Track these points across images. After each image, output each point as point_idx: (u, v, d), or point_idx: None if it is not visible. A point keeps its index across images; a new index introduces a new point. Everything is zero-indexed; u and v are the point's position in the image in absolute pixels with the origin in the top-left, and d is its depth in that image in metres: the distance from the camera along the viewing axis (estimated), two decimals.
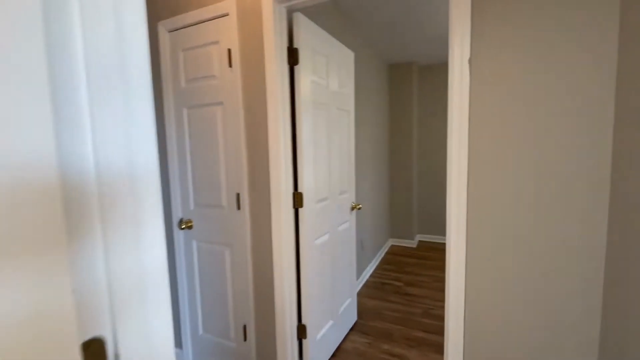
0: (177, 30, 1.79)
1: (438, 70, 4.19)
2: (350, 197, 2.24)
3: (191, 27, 1.73)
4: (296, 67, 1.61)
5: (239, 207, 1.71)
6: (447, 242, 1.31)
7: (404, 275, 3.32)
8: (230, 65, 1.64)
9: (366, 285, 3.12)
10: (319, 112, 1.79)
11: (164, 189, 1.96)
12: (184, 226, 1.85)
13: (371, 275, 3.34)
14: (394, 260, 3.76)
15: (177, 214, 1.91)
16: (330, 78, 1.92)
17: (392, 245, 4.30)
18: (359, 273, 3.09)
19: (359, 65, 2.93)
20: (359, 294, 2.91)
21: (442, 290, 2.97)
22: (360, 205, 2.28)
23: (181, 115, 1.84)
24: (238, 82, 1.63)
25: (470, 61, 1.12)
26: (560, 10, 1.06)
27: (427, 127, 4.34)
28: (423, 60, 4.02)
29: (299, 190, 1.67)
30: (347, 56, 2.14)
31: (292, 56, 1.62)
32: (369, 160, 3.34)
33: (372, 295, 2.89)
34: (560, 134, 1.09)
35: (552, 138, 1.10)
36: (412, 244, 4.26)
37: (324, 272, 1.91)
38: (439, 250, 4.07)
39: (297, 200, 1.67)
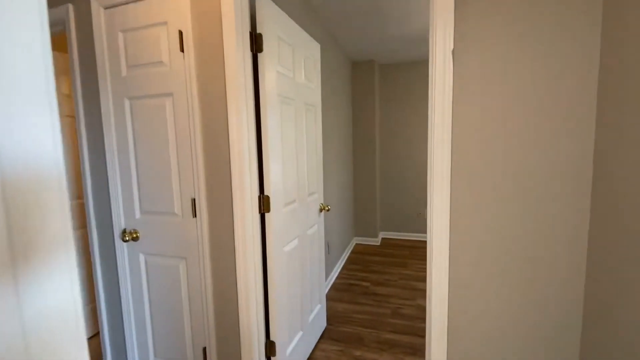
0: (115, 7, 1.51)
1: (397, 70, 4.23)
2: (319, 198, 2.11)
3: (133, 3, 1.47)
4: (260, 55, 1.44)
5: (194, 215, 1.50)
6: (428, 241, 1.24)
7: (370, 275, 3.29)
8: (182, 50, 1.41)
9: (334, 287, 3.02)
10: (285, 107, 1.63)
11: (102, 194, 1.66)
12: (128, 238, 1.58)
13: (338, 277, 3.26)
14: (360, 260, 3.72)
15: (120, 223, 1.63)
16: (297, 70, 1.77)
17: (357, 244, 4.27)
18: (326, 275, 2.98)
19: (323, 60, 2.81)
20: (327, 298, 2.80)
21: (408, 288, 2.97)
22: (329, 207, 2.16)
23: (122, 107, 1.56)
24: (192, 70, 1.41)
25: (453, 52, 1.05)
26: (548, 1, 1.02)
27: (389, 125, 4.36)
28: (383, 59, 4.02)
29: (266, 193, 1.50)
30: (314, 48, 2.00)
31: (255, 42, 1.44)
32: (334, 159, 3.24)
33: (340, 298, 2.80)
34: (545, 127, 1.06)
35: (537, 131, 1.07)
36: (376, 241, 4.27)
37: (294, 280, 1.76)
38: (403, 247, 4.12)
39: (264, 204, 1.50)
